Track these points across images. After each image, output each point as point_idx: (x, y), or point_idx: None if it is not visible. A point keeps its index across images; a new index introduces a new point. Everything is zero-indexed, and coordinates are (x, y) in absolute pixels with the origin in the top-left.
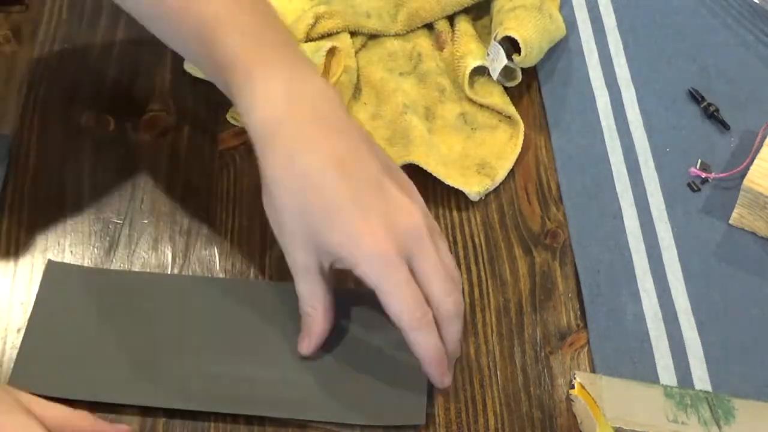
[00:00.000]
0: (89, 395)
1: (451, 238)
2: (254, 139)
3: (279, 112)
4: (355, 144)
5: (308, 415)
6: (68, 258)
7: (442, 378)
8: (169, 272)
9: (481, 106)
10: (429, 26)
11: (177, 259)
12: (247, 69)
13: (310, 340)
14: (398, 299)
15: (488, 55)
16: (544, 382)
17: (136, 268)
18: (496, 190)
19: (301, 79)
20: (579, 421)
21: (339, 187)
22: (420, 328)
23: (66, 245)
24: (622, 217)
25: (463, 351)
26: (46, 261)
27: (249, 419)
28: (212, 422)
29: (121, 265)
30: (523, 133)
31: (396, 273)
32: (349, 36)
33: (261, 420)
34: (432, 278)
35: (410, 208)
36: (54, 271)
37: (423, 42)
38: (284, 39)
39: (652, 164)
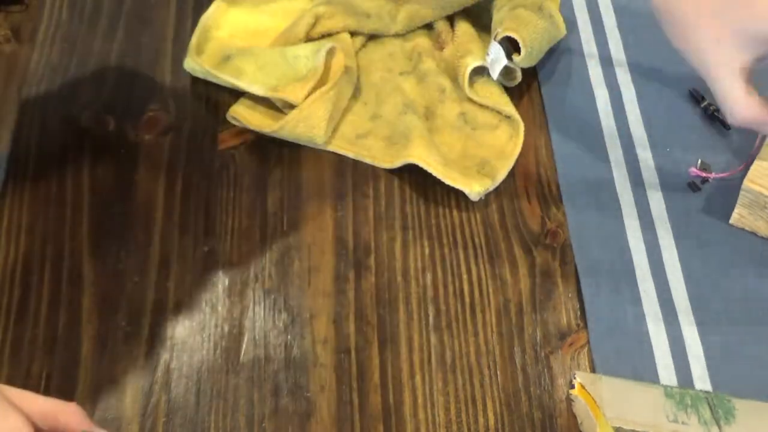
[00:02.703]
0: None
1: (451, 238)
2: None
3: None
4: None
5: None
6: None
7: None
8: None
9: (481, 106)
10: (429, 26)
11: (177, 259)
12: None
13: None
14: None
15: (488, 55)
16: (544, 382)
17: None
18: (496, 190)
19: None
20: (579, 421)
21: None
22: None
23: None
24: (622, 217)
25: (462, 351)
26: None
27: (249, 419)
28: (212, 421)
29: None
30: (523, 133)
31: None
32: (349, 36)
33: (261, 419)
34: None
35: None
36: None
37: (423, 42)
38: None
39: (652, 164)
